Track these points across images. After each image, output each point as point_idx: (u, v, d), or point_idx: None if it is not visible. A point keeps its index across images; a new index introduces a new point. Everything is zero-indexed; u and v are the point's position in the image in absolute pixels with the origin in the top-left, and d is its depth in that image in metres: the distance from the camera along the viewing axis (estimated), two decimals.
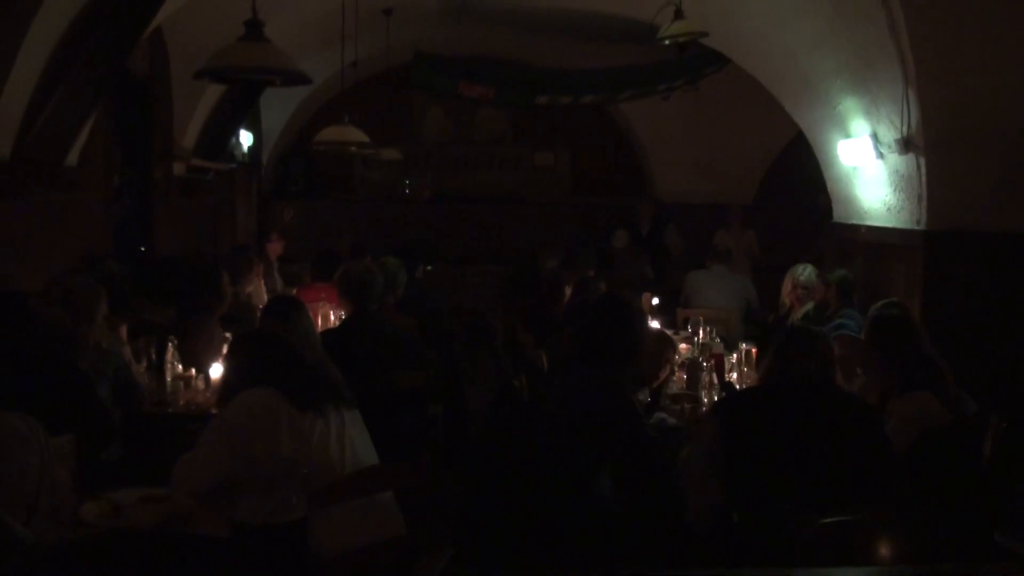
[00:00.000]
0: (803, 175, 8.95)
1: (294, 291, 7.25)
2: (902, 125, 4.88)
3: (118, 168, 6.65)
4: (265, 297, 6.52)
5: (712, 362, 4.48)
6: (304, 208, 10.75)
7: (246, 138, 9.52)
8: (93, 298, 3.32)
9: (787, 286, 5.88)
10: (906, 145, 4.93)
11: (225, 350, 4.22)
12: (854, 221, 5.98)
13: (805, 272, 5.83)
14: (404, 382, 4.07)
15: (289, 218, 10.60)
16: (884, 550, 2.27)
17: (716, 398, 4.05)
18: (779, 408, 2.88)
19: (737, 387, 4.43)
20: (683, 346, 5.27)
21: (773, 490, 2.65)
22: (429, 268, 7.44)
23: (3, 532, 1.74)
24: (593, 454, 3.20)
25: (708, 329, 5.66)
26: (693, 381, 4.53)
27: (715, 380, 4.34)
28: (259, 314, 5.85)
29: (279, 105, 9.82)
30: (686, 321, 6.24)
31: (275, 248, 8.09)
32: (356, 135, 5.48)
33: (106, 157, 6.17)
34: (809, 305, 5.66)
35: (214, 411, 3.93)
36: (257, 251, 7.74)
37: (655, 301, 6.74)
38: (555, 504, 3.19)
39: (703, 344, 5.40)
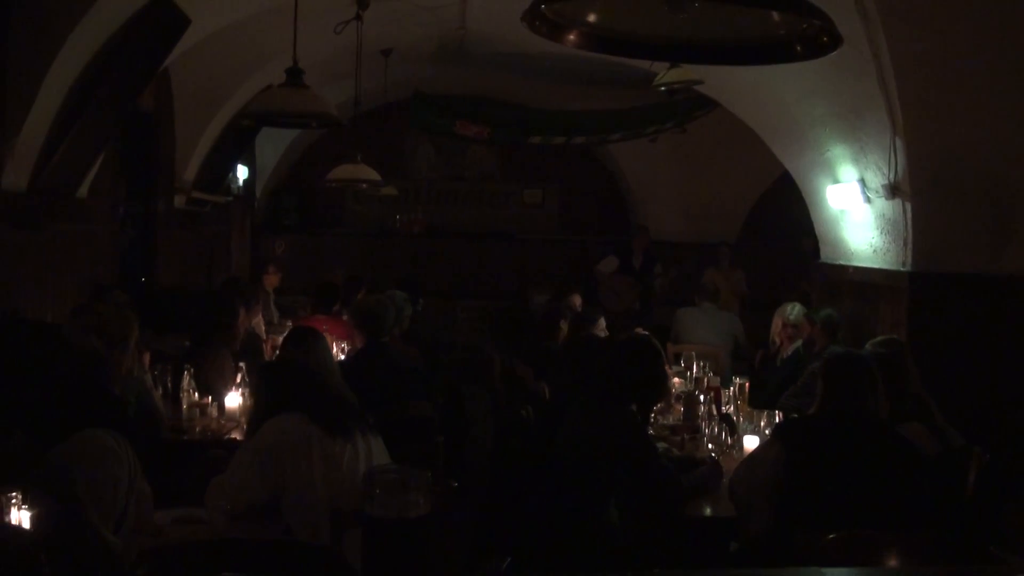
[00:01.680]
0: (787, 215, 9.20)
1: (289, 323, 7.38)
2: (889, 172, 5.10)
3: (123, 200, 6.77)
4: (264, 328, 6.62)
5: (712, 395, 4.62)
6: (296, 242, 10.87)
7: (242, 172, 9.64)
8: (126, 325, 3.43)
9: (776, 324, 6.02)
10: (893, 191, 5.14)
11: (239, 378, 4.38)
12: (841, 262, 6.18)
13: (794, 311, 5.97)
14: (414, 411, 4.19)
15: (281, 251, 10.70)
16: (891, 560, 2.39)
17: (716, 430, 4.19)
18: (838, 437, 2.98)
19: (734, 419, 4.60)
20: (676, 380, 5.43)
21: (826, 518, 2.72)
22: (422, 302, 7.58)
23: (99, 541, 1.84)
24: (606, 484, 3.32)
25: (701, 364, 5.83)
26: (690, 413, 4.69)
27: (714, 412, 4.49)
28: (266, 343, 6.04)
29: (273, 141, 9.98)
30: (677, 356, 6.40)
31: (272, 280, 8.20)
32: (368, 173, 5.66)
33: (113, 189, 6.30)
34: (798, 342, 5.84)
35: (234, 437, 4.07)
36: (251, 283, 7.84)
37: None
38: (566, 529, 3.32)
39: (696, 378, 5.56)
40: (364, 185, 5.94)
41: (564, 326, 5.96)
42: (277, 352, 5.96)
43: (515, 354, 5.85)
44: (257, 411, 3.10)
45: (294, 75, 3.60)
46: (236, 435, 4.12)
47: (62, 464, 2.24)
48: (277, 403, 3.01)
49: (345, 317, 7.34)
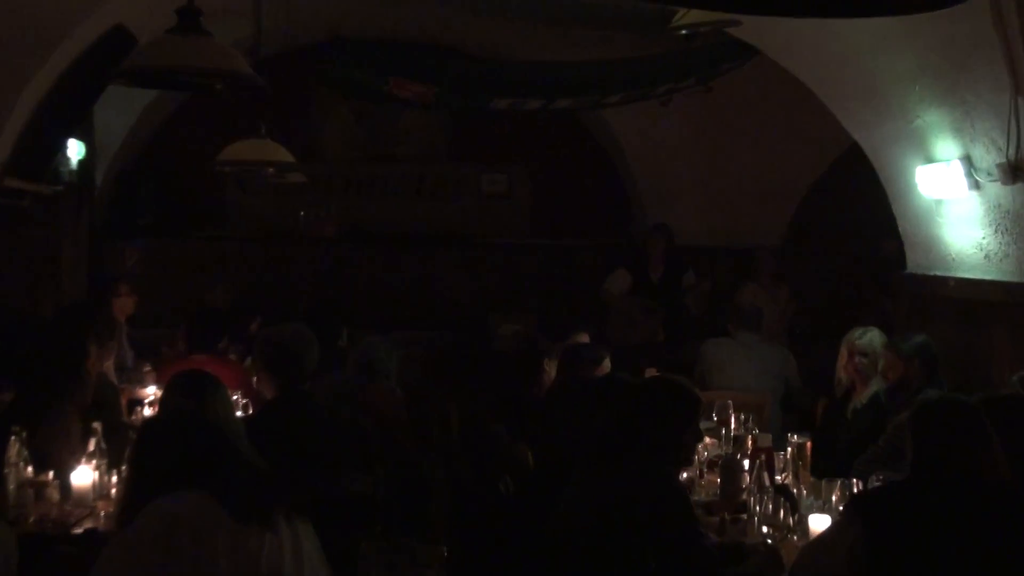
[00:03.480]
0: (855, 208, 9.38)
1: (148, 368, 7.36)
2: (1007, 146, 5.18)
3: None
4: (115, 374, 6.60)
5: (761, 459, 4.72)
6: (155, 249, 10.80)
7: (75, 150, 9.52)
8: None
9: (842, 356, 6.16)
10: (1013, 172, 5.24)
11: (92, 445, 4.36)
12: (938, 272, 6.31)
13: (865, 336, 6.10)
14: (349, 487, 4.22)
15: (134, 262, 10.62)
16: None
17: (770, 506, 4.28)
18: (940, 512, 3.10)
19: (793, 491, 4.68)
20: (707, 439, 5.52)
21: None
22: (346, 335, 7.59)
23: None
24: (634, 566, 3.43)
25: (741, 417, 5.92)
26: (731, 485, 4.77)
27: (766, 482, 4.57)
28: (124, 395, 6.00)
29: (118, 107, 9.82)
30: (708, 406, 6.49)
31: (124, 305, 8.16)
32: (278, 152, 5.68)
33: None
34: (877, 385, 5.94)
35: (90, 527, 4.05)
36: (96, 309, 7.78)
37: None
38: None
39: (736, 436, 5.66)
40: (271, 171, 5.89)
41: (550, 368, 6.09)
42: (145, 407, 6.05)
43: (478, 406, 5.96)
44: (132, 491, 3.11)
45: (189, 17, 3.62)
46: (91, 524, 4.11)
47: None
48: (164, 478, 3.02)
49: (233, 356, 7.41)
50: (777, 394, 7.15)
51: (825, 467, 5.22)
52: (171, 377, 4.06)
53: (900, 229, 6.67)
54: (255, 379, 5.24)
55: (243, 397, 5.94)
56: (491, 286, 10.85)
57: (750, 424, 5.82)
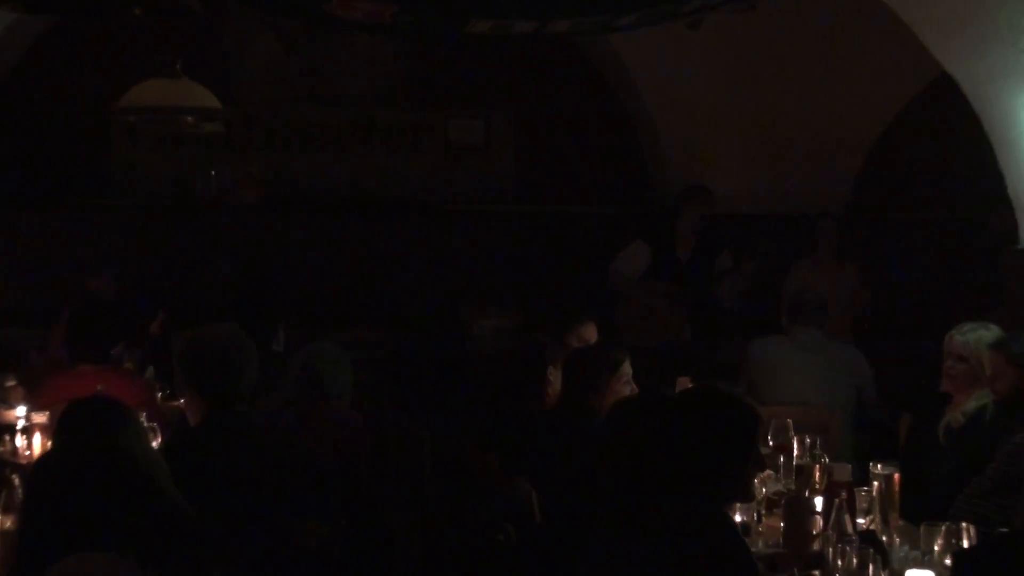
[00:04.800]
0: (945, 166, 9.40)
1: (12, 383, 7.29)
2: None
3: None
4: None
5: (843, 496, 4.73)
6: (13, 223, 10.79)
7: None
8: None
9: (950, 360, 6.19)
10: None
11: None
12: None
13: (966, 335, 6.11)
14: (303, 540, 4.22)
15: None
16: None
17: (854, 560, 4.29)
18: None
19: (883, 539, 4.69)
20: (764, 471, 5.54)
21: None
22: (282, 336, 7.61)
23: None
24: None
25: (805, 441, 5.93)
26: (798, 530, 4.77)
27: (849, 529, 4.58)
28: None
29: None
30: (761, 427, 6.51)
31: None
32: (199, 95, 5.64)
33: None
34: (984, 398, 5.96)
35: None
36: None
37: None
38: None
39: (799, 466, 5.66)
40: (190, 120, 5.86)
41: (555, 377, 6.10)
42: (17, 435, 6.01)
43: (459, 430, 5.97)
44: (25, 552, 3.12)
45: None
46: None
47: None
48: (68, 535, 3.03)
49: (130, 365, 7.39)
50: (847, 409, 7.19)
51: (913, 505, 5.24)
52: (68, 406, 4.03)
53: (1010, 191, 6.69)
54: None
55: (148, 420, 5.90)
56: (463, 268, 10.91)
57: (817, 449, 5.82)
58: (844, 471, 5.17)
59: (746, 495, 4.13)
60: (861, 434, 7.19)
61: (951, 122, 7.33)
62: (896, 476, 5.27)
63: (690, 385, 6.90)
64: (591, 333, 6.87)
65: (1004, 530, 4.44)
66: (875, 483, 5.07)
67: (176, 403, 7.31)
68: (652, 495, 3.77)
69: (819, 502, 4.95)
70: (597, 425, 5.09)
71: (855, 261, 9.71)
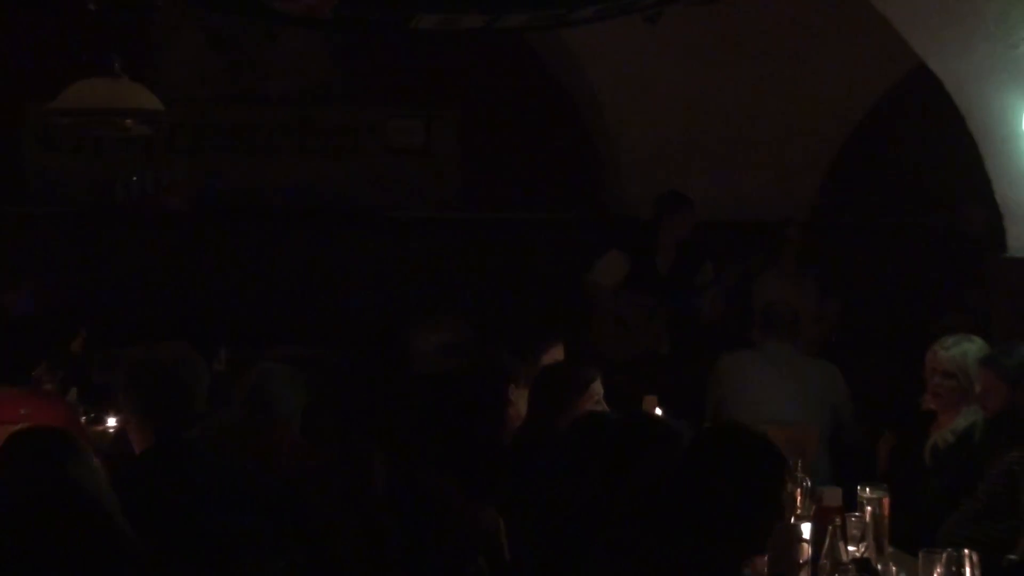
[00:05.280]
0: (923, 166, 9.40)
1: None
2: None
3: None
4: None
5: (837, 523, 4.73)
6: None
7: None
8: None
9: (931, 371, 6.22)
10: None
11: None
12: None
13: (953, 349, 6.14)
14: (257, 572, 4.26)
15: None
16: None
17: None
18: None
19: (879, 567, 4.69)
20: None
21: None
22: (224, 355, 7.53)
23: None
24: None
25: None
26: (783, 561, 4.75)
27: (843, 558, 4.57)
28: None
29: None
30: None
31: None
32: (141, 96, 5.57)
33: None
34: (973, 415, 5.99)
35: None
36: None
37: (658, 411, 6.98)
38: None
39: None
40: (129, 122, 5.93)
41: (518, 398, 6.10)
42: None
43: (414, 454, 5.92)
44: None
45: None
46: None
47: None
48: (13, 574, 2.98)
49: (50, 387, 7.27)
50: (823, 428, 7.20)
51: (898, 529, 5.26)
52: (10, 437, 3.93)
53: (997, 195, 6.72)
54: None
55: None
56: (405, 280, 10.87)
57: (799, 472, 5.82)
58: (835, 495, 5.17)
59: (762, 547, 4.09)
60: (840, 455, 7.17)
61: (925, 120, 7.34)
62: (886, 500, 5.29)
63: (657, 407, 6.95)
64: (560, 354, 6.85)
65: (1012, 557, 4.44)
66: (868, 508, 5.08)
67: (101, 428, 7.25)
68: (659, 533, 3.73)
69: (806, 529, 4.95)
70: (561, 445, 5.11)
71: (813, 271, 9.73)
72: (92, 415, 7.20)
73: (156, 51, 11.18)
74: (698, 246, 9.71)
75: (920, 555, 4.56)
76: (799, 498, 5.48)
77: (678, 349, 9.34)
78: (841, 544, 4.67)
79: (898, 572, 4.66)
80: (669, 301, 9.32)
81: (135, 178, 11.01)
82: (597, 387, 5.81)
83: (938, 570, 4.43)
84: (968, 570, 4.38)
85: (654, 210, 9.82)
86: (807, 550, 4.73)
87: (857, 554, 4.85)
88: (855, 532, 5.02)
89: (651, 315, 9.19)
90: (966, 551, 4.57)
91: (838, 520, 4.82)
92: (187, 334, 6.63)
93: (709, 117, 10.41)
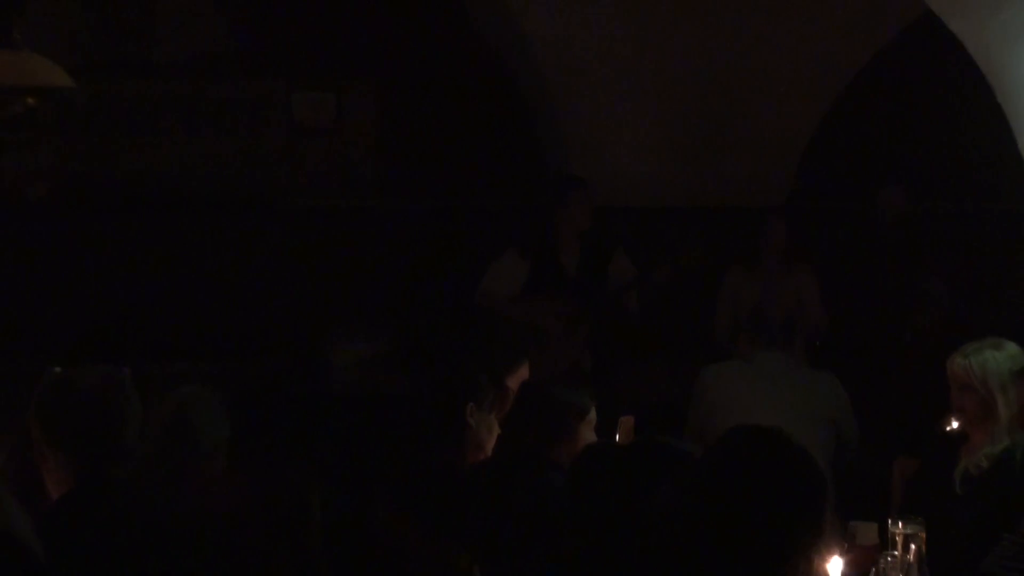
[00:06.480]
0: (924, 141, 9.43)
1: None
2: None
3: None
4: None
5: (881, 565, 4.72)
6: None
7: None
8: None
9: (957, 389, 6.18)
10: None
11: None
12: None
13: (977, 357, 6.10)
14: None
15: None
16: None
17: None
18: None
19: None
20: None
21: None
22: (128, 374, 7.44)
23: None
24: None
25: None
26: None
27: None
28: None
29: None
30: None
31: None
32: (48, 72, 5.44)
33: None
34: (1006, 437, 5.97)
35: None
36: None
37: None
38: None
39: None
40: (31, 101, 6.17)
41: (479, 422, 6.04)
42: None
43: (361, 488, 5.85)
44: None
45: None
46: None
47: None
48: None
49: None
50: (826, 451, 7.17)
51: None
52: None
53: None
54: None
55: None
56: (317, 280, 10.89)
57: None
58: (869, 532, 5.22)
59: None
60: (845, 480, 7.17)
61: (920, 87, 7.30)
62: (923, 535, 5.28)
63: (631, 423, 6.92)
64: (527, 373, 6.91)
65: None
66: (912, 545, 5.13)
67: None
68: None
69: (835, 570, 4.94)
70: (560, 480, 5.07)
71: (808, 264, 9.84)
72: None
73: (13, 10, 11.02)
74: (604, 235, 9.78)
75: None
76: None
77: (602, 361, 9.38)
78: None
79: None
80: (588, 305, 9.33)
81: None
82: (593, 414, 5.89)
83: None
84: None
85: (547, 199, 9.92)
86: None
87: None
88: (894, 574, 5.05)
89: (568, 323, 9.17)
90: None
91: (882, 565, 4.81)
92: (61, 347, 6.55)
93: (667, 86, 10.47)
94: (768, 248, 9.73)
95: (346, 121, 11.50)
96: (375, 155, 11.50)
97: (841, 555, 5.11)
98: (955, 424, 6.21)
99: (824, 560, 4.80)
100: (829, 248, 10.53)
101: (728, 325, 9.44)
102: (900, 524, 5.27)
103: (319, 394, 8.28)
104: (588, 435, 5.78)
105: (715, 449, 3.81)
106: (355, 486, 6.08)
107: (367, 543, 5.63)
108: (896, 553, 5.12)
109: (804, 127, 10.70)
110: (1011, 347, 6.07)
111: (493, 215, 10.89)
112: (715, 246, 10.04)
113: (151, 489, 5.02)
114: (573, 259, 9.59)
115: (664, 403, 8.41)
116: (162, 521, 4.62)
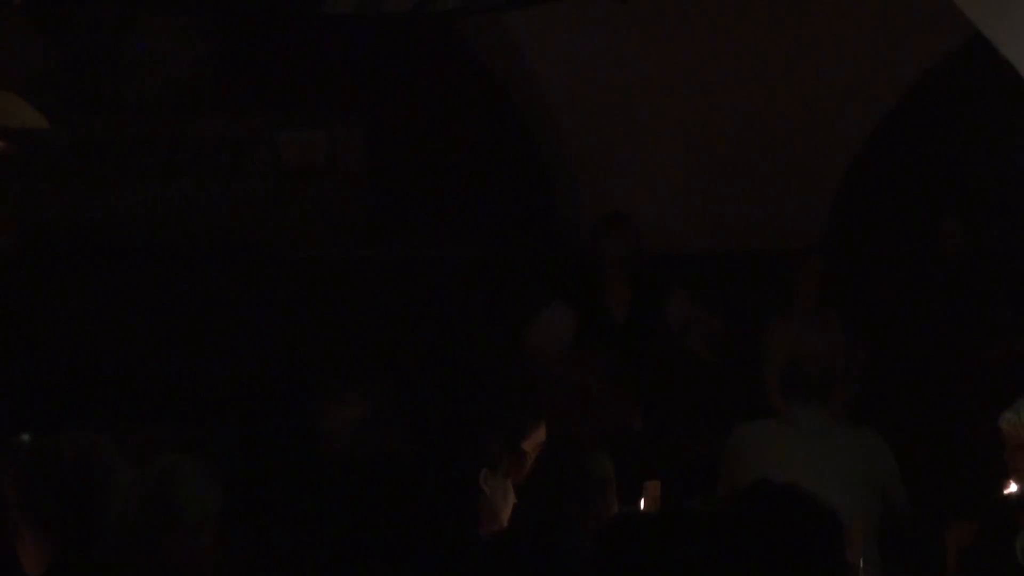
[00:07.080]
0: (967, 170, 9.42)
1: None
2: None
3: None
4: None
5: None
6: None
7: None
8: None
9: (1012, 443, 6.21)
10: None
11: None
12: None
13: None
14: None
15: None
16: None
17: None
18: None
19: None
20: None
21: None
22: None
23: None
24: None
25: None
26: None
27: None
28: None
29: None
30: None
31: None
32: (25, 114, 5.34)
33: None
34: None
35: None
36: None
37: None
38: None
39: None
40: (3, 144, 6.24)
41: (495, 489, 6.05)
42: None
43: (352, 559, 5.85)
44: None
45: None
46: None
47: None
48: None
49: None
50: (871, 518, 7.20)
51: None
52: None
53: None
54: None
55: None
56: (304, 334, 10.86)
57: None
58: None
59: None
60: (895, 552, 7.20)
61: (960, 120, 7.29)
62: None
63: (658, 490, 6.87)
64: (543, 435, 6.87)
65: None
66: None
67: None
68: None
69: None
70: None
71: (834, 309, 9.85)
72: None
73: None
74: (661, 279, 9.79)
75: None
76: None
77: (652, 421, 9.32)
78: None
79: None
80: (638, 357, 9.28)
81: None
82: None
83: None
84: None
85: (590, 242, 9.92)
86: None
87: None
88: None
89: (613, 379, 9.09)
90: None
91: None
92: (29, 409, 6.48)
93: (690, 122, 10.48)
94: (803, 293, 9.72)
95: (338, 163, 11.51)
96: (368, 200, 11.51)
97: None
98: (1013, 487, 6.20)
99: None
100: (870, 290, 10.51)
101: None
102: None
103: (312, 459, 8.18)
104: (611, 501, 5.81)
105: (727, 510, 3.98)
106: (356, 560, 6.03)
107: None
108: None
109: (837, 166, 10.69)
110: None
111: (496, 263, 10.89)
112: (747, 292, 10.16)
113: (132, 571, 5.00)
114: (623, 305, 9.61)
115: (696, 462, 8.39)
116: None
